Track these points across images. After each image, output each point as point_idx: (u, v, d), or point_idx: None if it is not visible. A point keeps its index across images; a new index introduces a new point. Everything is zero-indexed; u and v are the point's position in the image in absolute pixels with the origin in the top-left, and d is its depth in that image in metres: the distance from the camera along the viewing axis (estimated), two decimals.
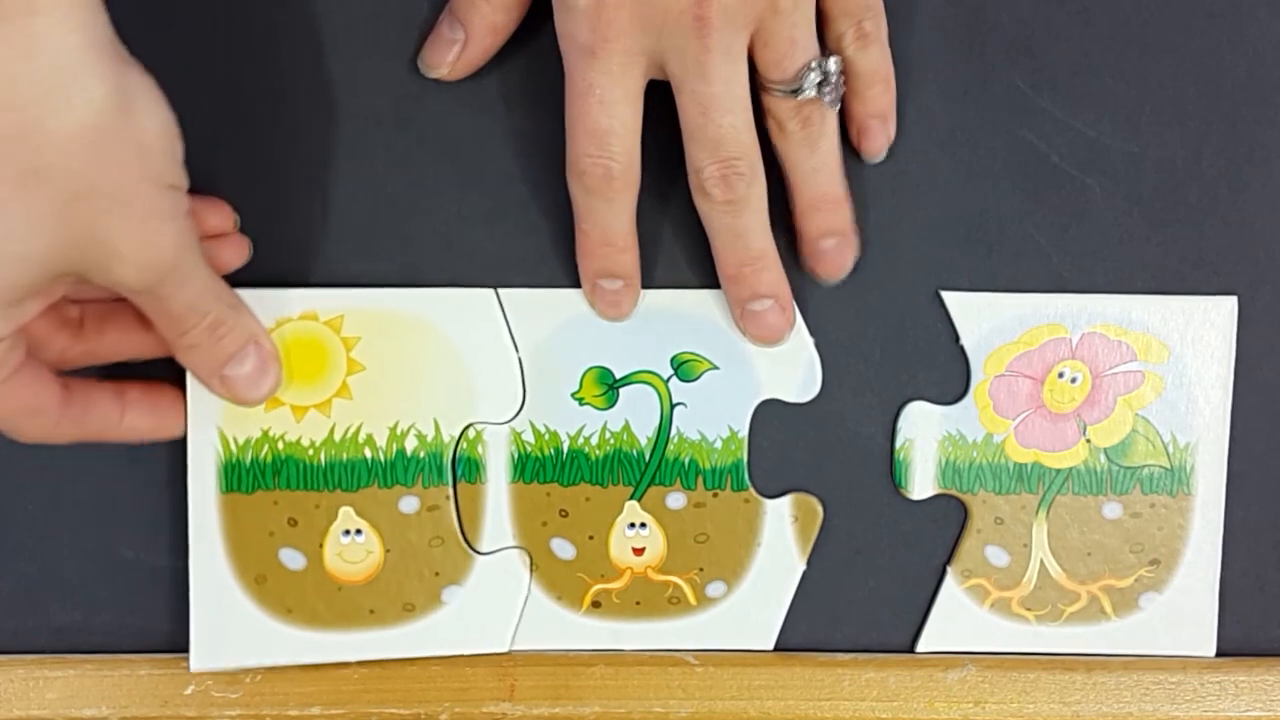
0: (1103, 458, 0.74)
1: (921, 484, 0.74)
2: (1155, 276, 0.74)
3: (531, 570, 0.74)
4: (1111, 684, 0.74)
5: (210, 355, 0.66)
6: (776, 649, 0.75)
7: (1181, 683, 0.74)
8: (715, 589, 0.74)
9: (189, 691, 0.73)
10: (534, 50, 0.71)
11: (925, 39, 0.73)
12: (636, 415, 0.73)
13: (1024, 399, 0.74)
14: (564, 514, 0.74)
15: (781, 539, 0.74)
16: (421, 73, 0.71)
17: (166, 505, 0.74)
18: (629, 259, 0.71)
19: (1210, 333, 0.73)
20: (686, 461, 0.73)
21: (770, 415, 0.73)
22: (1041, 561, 0.74)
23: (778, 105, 0.67)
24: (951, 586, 0.75)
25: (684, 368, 0.73)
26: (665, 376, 0.73)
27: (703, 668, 0.74)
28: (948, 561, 0.75)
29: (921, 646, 0.75)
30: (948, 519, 0.75)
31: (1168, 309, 0.73)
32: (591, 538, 0.74)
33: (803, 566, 0.74)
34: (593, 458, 0.73)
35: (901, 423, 0.74)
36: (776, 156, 0.69)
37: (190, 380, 0.71)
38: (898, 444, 0.74)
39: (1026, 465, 0.74)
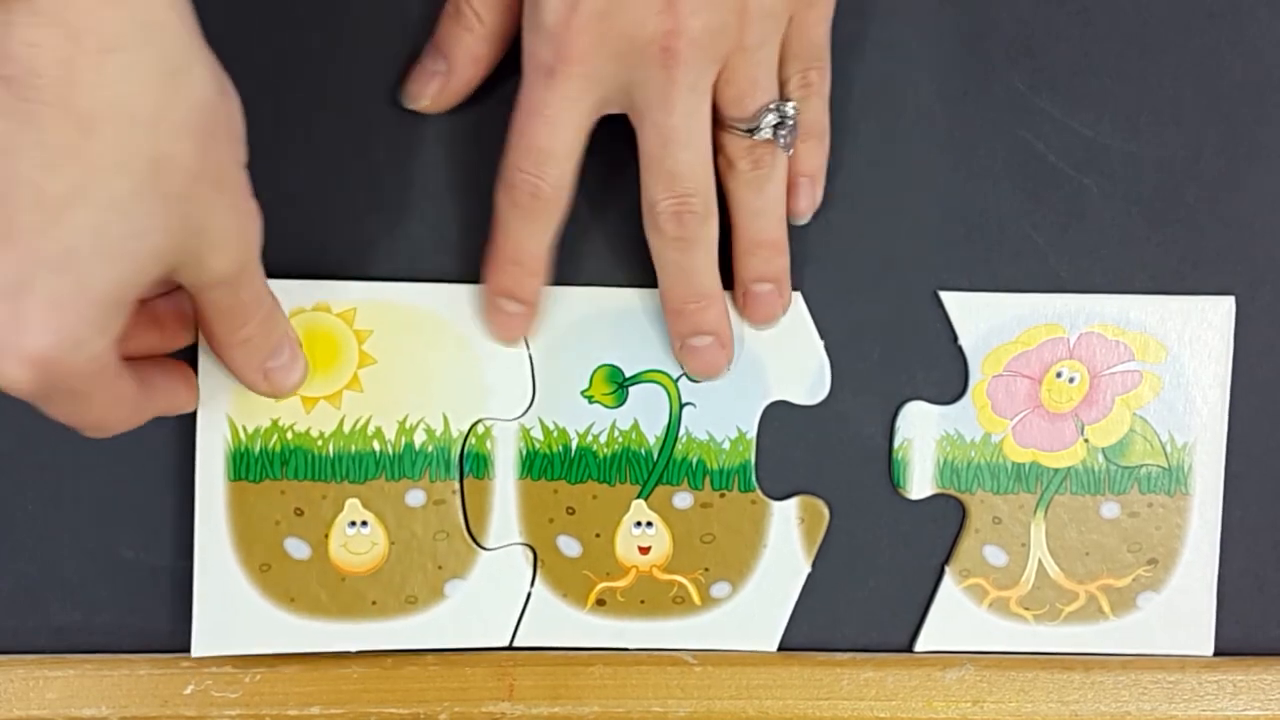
0: (1101, 457, 0.74)
1: (920, 484, 0.74)
2: (1153, 276, 0.74)
3: (536, 567, 0.74)
4: (1110, 683, 0.74)
5: (260, 348, 0.66)
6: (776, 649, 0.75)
7: (1179, 682, 0.74)
8: (720, 589, 0.74)
9: (188, 691, 0.73)
10: None
11: (924, 39, 0.73)
12: (645, 414, 0.73)
13: (1022, 399, 0.74)
14: (571, 511, 0.74)
15: (787, 541, 0.74)
16: (404, 106, 0.72)
17: (166, 505, 0.73)
18: (535, 284, 0.71)
19: (1208, 332, 0.73)
20: (694, 461, 0.73)
21: (770, 415, 0.74)
22: (1039, 561, 0.74)
23: (732, 143, 0.67)
24: (950, 586, 0.75)
25: None
26: (675, 376, 0.73)
27: (701, 667, 0.74)
28: (946, 561, 0.75)
29: (920, 646, 0.75)
30: (946, 519, 0.75)
31: (1166, 309, 0.73)
32: (598, 536, 0.74)
33: (808, 569, 0.74)
34: (601, 456, 0.73)
35: (900, 423, 0.74)
36: (723, 195, 0.69)
37: (202, 366, 0.71)
38: (896, 444, 0.74)
39: (1024, 465, 0.74)
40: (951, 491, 0.74)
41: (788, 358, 0.73)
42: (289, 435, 0.72)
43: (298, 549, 0.73)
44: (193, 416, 0.72)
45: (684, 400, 0.73)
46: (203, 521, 0.72)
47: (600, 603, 0.74)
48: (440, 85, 0.70)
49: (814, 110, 0.70)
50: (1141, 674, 0.74)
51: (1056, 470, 0.74)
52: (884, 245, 0.73)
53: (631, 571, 0.74)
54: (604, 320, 0.73)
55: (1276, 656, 0.75)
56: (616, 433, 0.73)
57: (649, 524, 0.74)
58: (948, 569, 0.75)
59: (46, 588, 0.74)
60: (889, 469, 0.74)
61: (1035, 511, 0.74)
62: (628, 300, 0.73)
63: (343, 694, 0.73)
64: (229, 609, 0.73)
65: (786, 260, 0.71)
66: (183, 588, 0.73)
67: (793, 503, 0.74)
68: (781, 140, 0.67)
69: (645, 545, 0.74)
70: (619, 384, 0.73)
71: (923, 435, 0.74)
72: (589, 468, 0.73)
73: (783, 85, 0.68)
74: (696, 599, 0.74)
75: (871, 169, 0.73)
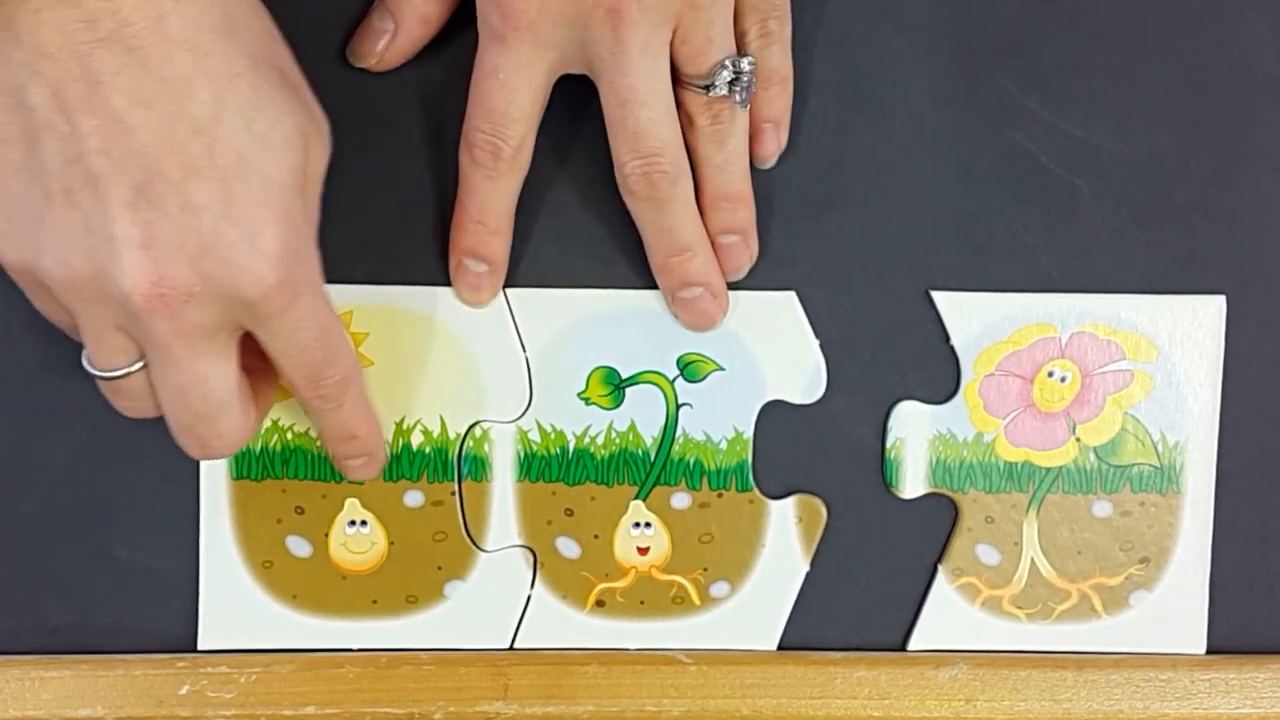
0: (1092, 456, 0.74)
1: (912, 483, 0.74)
2: (1144, 276, 0.74)
3: (536, 568, 0.74)
4: (1102, 681, 0.74)
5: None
6: None
7: (1172, 680, 0.74)
8: (719, 589, 0.74)
9: (184, 691, 0.73)
10: None
11: (914, 41, 0.73)
12: (642, 415, 0.73)
13: (1014, 398, 0.74)
14: (569, 513, 0.74)
15: (785, 540, 0.74)
16: (350, 62, 0.72)
17: (162, 506, 0.73)
18: (498, 244, 0.71)
19: (1199, 332, 0.74)
20: (691, 462, 0.74)
21: (765, 415, 0.74)
22: (1032, 560, 0.74)
23: (690, 100, 0.68)
24: (942, 585, 0.75)
25: (690, 368, 0.73)
26: (671, 377, 0.73)
27: (696, 667, 0.74)
28: (939, 560, 0.75)
29: (913, 645, 0.75)
30: (938, 518, 0.75)
31: (1157, 308, 0.74)
32: (596, 537, 0.74)
33: (806, 567, 0.74)
34: (598, 457, 0.73)
35: (892, 422, 0.74)
36: (687, 151, 0.69)
37: None
38: (889, 443, 0.74)
39: (1017, 464, 0.74)
40: (944, 491, 0.74)
41: (784, 357, 0.73)
42: (289, 435, 0.73)
43: (299, 547, 0.74)
44: None
45: (680, 401, 0.73)
46: (207, 518, 0.73)
47: (600, 604, 0.74)
48: (386, 43, 0.71)
49: (775, 58, 0.70)
50: (1134, 672, 0.74)
51: (1048, 469, 0.74)
52: (876, 245, 0.73)
53: (630, 572, 0.74)
54: (600, 322, 0.73)
55: (1268, 655, 0.75)
56: (614, 434, 0.73)
57: (647, 524, 0.74)
58: (940, 568, 0.75)
59: (42, 588, 0.74)
60: (881, 468, 0.74)
61: (1027, 510, 0.74)
62: (623, 302, 0.73)
63: (338, 694, 0.73)
64: (234, 605, 0.74)
65: (751, 212, 0.71)
66: (179, 588, 0.73)
67: (790, 502, 0.74)
68: (737, 96, 0.67)
69: (644, 546, 0.74)
70: (615, 385, 0.73)
71: (915, 435, 0.74)
72: (587, 469, 0.73)
73: (743, 36, 0.69)
74: (696, 599, 0.74)
75: (863, 170, 0.73)
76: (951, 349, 0.74)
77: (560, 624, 0.74)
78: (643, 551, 0.74)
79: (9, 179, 0.57)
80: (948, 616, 0.75)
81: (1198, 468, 0.74)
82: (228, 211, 0.57)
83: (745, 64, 0.67)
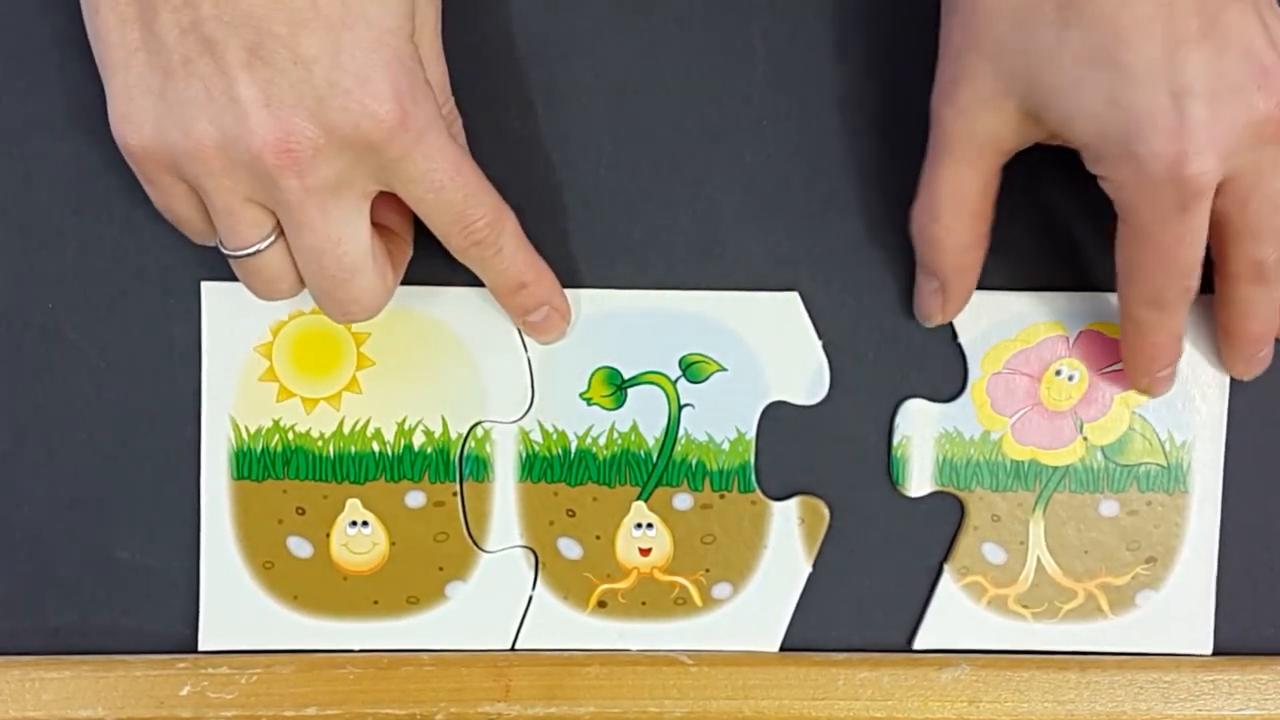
0: (1100, 455, 0.74)
1: (919, 481, 0.74)
2: None
3: (537, 569, 0.74)
4: (1106, 683, 0.74)
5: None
6: None
7: (1176, 681, 0.74)
8: (721, 590, 0.74)
9: (185, 692, 0.73)
10: (538, 52, 0.71)
11: (922, 40, 0.72)
12: (644, 416, 0.73)
13: (1021, 396, 0.74)
14: (571, 514, 0.74)
15: (788, 541, 0.74)
16: None
17: (162, 506, 0.73)
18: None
19: (1206, 331, 0.73)
20: (694, 463, 0.73)
21: (768, 416, 0.73)
22: (1038, 559, 0.74)
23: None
24: (948, 584, 0.75)
25: (692, 369, 0.73)
26: (673, 378, 0.73)
27: (698, 668, 0.74)
28: (944, 559, 0.75)
29: (918, 644, 0.75)
30: (945, 516, 0.75)
31: None
32: (598, 538, 0.74)
33: (809, 569, 0.74)
34: (600, 458, 0.73)
35: (899, 420, 0.74)
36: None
37: (205, 369, 0.73)
38: (895, 441, 0.74)
39: (1023, 463, 0.74)
40: (950, 489, 0.74)
41: (786, 358, 0.73)
42: (290, 435, 0.73)
43: (300, 548, 0.74)
44: (191, 417, 0.73)
45: (683, 401, 0.73)
46: (208, 519, 0.74)
47: (602, 605, 0.74)
48: None
49: None
50: (1138, 674, 0.74)
51: (1055, 468, 0.74)
52: (881, 243, 0.73)
53: (632, 573, 0.74)
54: (602, 322, 0.73)
55: (1272, 656, 0.75)
56: (616, 434, 0.73)
57: (649, 525, 0.74)
58: (946, 567, 0.75)
59: (42, 588, 0.74)
60: (888, 467, 0.74)
61: (1034, 509, 0.74)
62: (625, 302, 0.73)
63: (339, 694, 0.73)
64: (234, 605, 0.74)
65: None
66: (179, 589, 0.73)
67: (793, 503, 0.74)
68: None
69: (646, 547, 0.74)
70: (618, 386, 0.73)
71: (922, 433, 0.74)
72: (589, 470, 0.73)
73: None
74: (698, 600, 0.74)
75: (868, 168, 0.73)
76: (959, 346, 0.74)
77: (562, 625, 0.74)
78: (645, 552, 0.74)
79: (129, 59, 0.59)
80: (953, 616, 0.75)
81: (1205, 467, 0.74)
82: (338, 60, 0.58)
83: None
